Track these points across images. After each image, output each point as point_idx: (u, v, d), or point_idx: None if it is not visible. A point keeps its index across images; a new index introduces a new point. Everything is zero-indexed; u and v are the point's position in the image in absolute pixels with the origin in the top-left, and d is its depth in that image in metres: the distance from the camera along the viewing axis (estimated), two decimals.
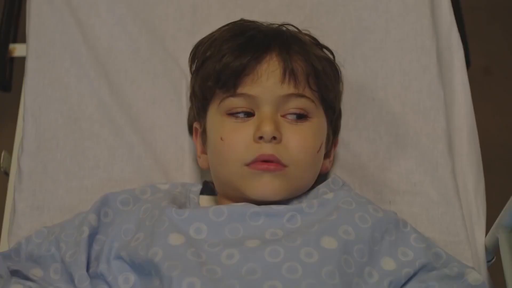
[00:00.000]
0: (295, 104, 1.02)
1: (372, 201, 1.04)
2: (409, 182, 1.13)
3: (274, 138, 1.00)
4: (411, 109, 1.17)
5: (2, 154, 1.23)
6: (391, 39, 1.21)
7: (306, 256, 0.92)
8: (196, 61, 1.11)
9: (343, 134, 1.16)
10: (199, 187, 1.11)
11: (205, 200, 1.12)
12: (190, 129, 1.17)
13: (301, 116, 1.03)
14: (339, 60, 1.15)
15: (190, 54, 1.12)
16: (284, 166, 1.00)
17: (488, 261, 1.11)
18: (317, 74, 1.04)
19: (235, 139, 1.02)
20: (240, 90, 1.02)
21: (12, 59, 1.35)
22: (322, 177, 1.11)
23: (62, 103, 1.19)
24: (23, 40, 1.33)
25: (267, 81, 1.02)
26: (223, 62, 1.03)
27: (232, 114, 1.03)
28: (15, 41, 1.37)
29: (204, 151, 1.11)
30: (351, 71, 1.19)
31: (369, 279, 0.94)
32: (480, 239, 1.11)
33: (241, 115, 1.03)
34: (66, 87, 1.20)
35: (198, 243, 0.95)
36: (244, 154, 1.01)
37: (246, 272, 0.91)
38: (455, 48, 1.24)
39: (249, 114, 1.03)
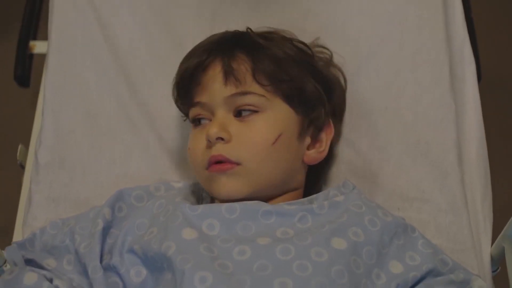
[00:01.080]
0: (242, 102, 1.04)
1: (381, 206, 1.06)
2: (418, 189, 1.14)
3: (222, 139, 1.02)
4: (423, 120, 1.18)
5: (19, 147, 1.25)
6: (405, 50, 1.23)
7: (316, 255, 0.94)
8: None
9: (356, 140, 1.18)
10: None
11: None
12: None
13: (251, 111, 1.04)
14: (353, 68, 1.19)
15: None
16: (237, 164, 1.02)
17: (492, 271, 1.13)
18: (265, 69, 1.05)
19: (195, 146, 1.06)
20: (195, 99, 1.06)
21: (32, 55, 1.38)
22: (313, 168, 1.12)
23: (81, 99, 1.21)
24: (42, 37, 1.36)
25: (213, 86, 1.05)
26: (177, 79, 1.10)
27: (194, 121, 1.08)
28: (35, 38, 1.39)
29: None
30: (365, 80, 1.21)
31: (377, 281, 0.96)
32: (486, 248, 1.12)
33: (203, 121, 1.07)
34: (85, 84, 1.22)
35: (211, 238, 0.97)
36: (201, 159, 1.04)
37: (257, 268, 0.92)
38: (467, 62, 1.25)
39: (210, 120, 1.06)
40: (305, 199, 1.05)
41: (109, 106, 1.21)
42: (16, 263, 1.01)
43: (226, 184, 1.02)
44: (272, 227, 0.99)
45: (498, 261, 1.12)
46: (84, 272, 1.00)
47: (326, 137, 1.11)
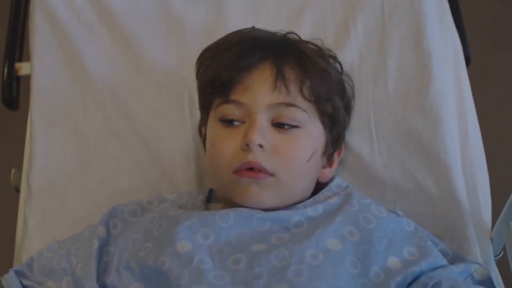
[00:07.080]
0: (285, 113, 1.01)
1: (376, 201, 1.05)
2: (413, 180, 1.13)
3: (261, 146, 0.99)
4: (411, 108, 1.16)
5: (12, 171, 1.25)
6: (390, 40, 1.22)
7: (312, 258, 0.93)
8: (199, 67, 1.11)
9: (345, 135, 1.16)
10: (205, 194, 1.11)
11: (212, 208, 1.13)
12: (200, 133, 1.16)
13: (292, 125, 1.02)
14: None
15: (197, 60, 1.12)
16: (270, 174, 1.00)
17: (495, 256, 1.11)
18: (312, 84, 1.03)
19: (224, 145, 1.02)
20: (232, 96, 1.02)
21: (18, 77, 1.37)
22: (323, 186, 1.09)
23: (68, 118, 1.21)
24: (28, 58, 1.35)
25: (259, 89, 1.02)
26: (218, 70, 1.04)
27: (224, 121, 1.03)
28: (20, 59, 1.39)
29: None
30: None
31: (375, 279, 0.94)
32: (487, 234, 1.11)
33: (234, 122, 1.02)
34: (71, 103, 1.22)
35: (205, 248, 0.96)
36: (231, 161, 1.01)
37: (252, 276, 0.92)
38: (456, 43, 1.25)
39: (242, 122, 1.03)
40: (300, 204, 1.03)
41: (96, 122, 1.21)
42: None
43: (254, 192, 1.00)
44: (267, 233, 0.98)
45: (499, 246, 1.10)
46: None
47: (337, 157, 1.11)
